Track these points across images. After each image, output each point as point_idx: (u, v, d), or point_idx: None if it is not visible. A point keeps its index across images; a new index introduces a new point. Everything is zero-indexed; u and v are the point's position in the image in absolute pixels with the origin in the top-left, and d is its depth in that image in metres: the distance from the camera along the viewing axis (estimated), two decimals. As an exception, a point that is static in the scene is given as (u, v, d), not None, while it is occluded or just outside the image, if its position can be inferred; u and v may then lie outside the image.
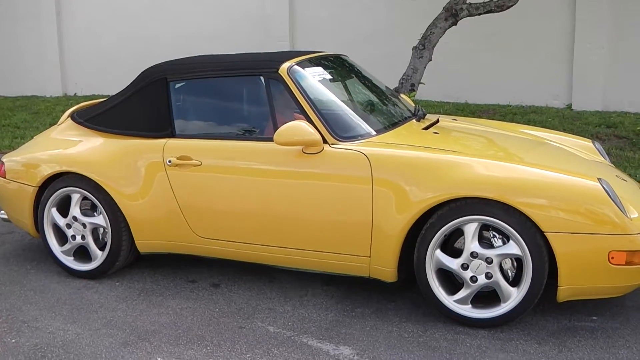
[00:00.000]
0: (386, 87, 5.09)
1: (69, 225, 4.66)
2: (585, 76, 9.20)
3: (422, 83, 7.61)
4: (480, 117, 8.46)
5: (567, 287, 3.60)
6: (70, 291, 4.48)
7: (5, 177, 4.91)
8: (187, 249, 4.49)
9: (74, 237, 4.66)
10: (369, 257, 3.94)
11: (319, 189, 3.99)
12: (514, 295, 3.68)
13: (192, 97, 4.63)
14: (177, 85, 4.55)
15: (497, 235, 3.74)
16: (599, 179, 3.64)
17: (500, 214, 3.60)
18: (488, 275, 3.69)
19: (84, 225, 4.61)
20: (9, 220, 5.12)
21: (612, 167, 4.58)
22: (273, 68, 4.25)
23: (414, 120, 4.57)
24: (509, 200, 3.56)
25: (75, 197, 4.61)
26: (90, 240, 4.62)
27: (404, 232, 3.79)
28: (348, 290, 4.33)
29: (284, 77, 4.20)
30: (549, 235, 3.54)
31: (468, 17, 7.63)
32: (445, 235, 3.77)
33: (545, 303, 3.90)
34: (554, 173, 3.71)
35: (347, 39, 10.13)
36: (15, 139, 8.74)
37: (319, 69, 4.55)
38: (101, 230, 4.64)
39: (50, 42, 12.36)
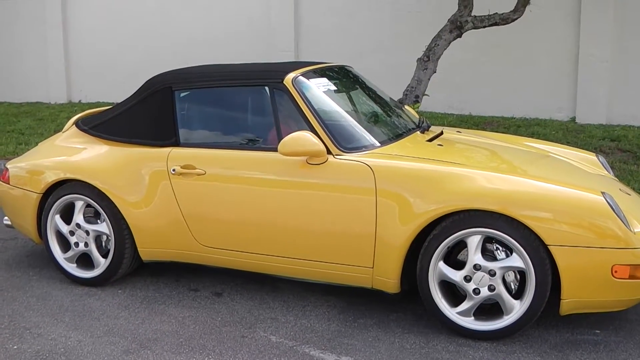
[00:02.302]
0: (390, 98, 5.10)
1: (72, 233, 4.66)
2: (589, 89, 9.20)
3: (426, 95, 7.61)
4: (484, 129, 8.46)
5: (570, 301, 3.60)
6: (72, 298, 4.48)
7: (9, 184, 4.93)
8: (190, 258, 4.49)
9: (77, 244, 4.66)
10: (372, 268, 3.94)
11: (322, 200, 3.99)
12: (516, 308, 3.67)
13: (196, 107, 4.65)
14: (182, 94, 4.57)
15: (501, 248, 3.73)
16: (603, 193, 3.64)
17: (504, 226, 3.60)
18: (491, 288, 3.69)
19: (87, 233, 4.62)
20: (12, 227, 5.13)
21: (615, 181, 4.58)
22: (278, 78, 4.27)
23: (418, 132, 4.58)
24: (513, 213, 3.57)
25: (79, 205, 4.62)
26: (93, 248, 4.63)
27: (407, 243, 3.79)
28: (350, 301, 4.33)
29: (288, 88, 4.21)
30: (552, 249, 3.54)
31: (473, 30, 7.64)
32: (448, 247, 3.77)
33: (548, 316, 3.89)
34: (558, 186, 3.71)
35: (351, 50, 10.15)
36: (19, 145, 8.75)
37: (324, 80, 4.56)
38: (104, 237, 4.65)
39: (55, 48, 12.39)
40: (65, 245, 4.75)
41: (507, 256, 3.69)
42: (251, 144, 4.35)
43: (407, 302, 4.21)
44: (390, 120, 4.76)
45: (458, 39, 7.68)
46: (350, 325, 4.02)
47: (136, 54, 11.77)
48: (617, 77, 9.11)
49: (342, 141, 4.07)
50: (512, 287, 3.76)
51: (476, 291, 3.71)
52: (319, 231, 4.03)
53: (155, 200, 4.45)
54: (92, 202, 4.55)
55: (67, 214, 4.70)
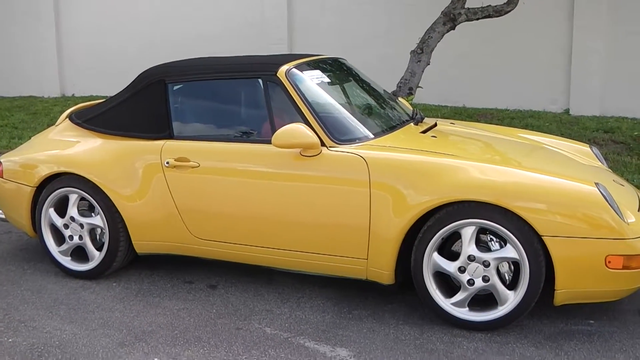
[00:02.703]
0: (384, 90, 5.09)
1: (66, 226, 4.66)
2: (583, 81, 9.22)
3: (420, 87, 7.62)
4: (478, 121, 8.47)
5: (564, 291, 3.61)
6: (67, 291, 4.48)
7: (3, 177, 4.91)
8: (184, 250, 4.49)
9: (71, 237, 4.66)
10: (367, 259, 3.94)
11: (316, 192, 3.99)
12: (511, 299, 3.68)
13: (190, 99, 4.63)
14: (176, 87, 4.56)
15: (495, 239, 3.75)
16: (596, 184, 3.65)
17: (498, 217, 3.61)
18: (485, 279, 3.70)
19: (82, 226, 4.61)
20: (6, 220, 5.13)
21: (609, 172, 4.59)
22: (271, 71, 4.26)
23: (411, 124, 4.58)
24: (507, 204, 3.57)
25: (73, 198, 4.61)
26: (87, 241, 4.62)
27: (401, 235, 3.80)
28: (345, 292, 4.34)
29: (282, 80, 4.20)
30: (546, 239, 3.54)
31: (466, 22, 7.65)
32: (442, 239, 3.78)
33: (542, 306, 3.90)
34: (552, 177, 3.71)
35: (345, 43, 10.15)
36: (13, 139, 8.73)
37: (317, 72, 4.55)
38: (99, 230, 4.65)
39: (48, 42, 12.36)
40: (59, 238, 4.75)
41: (501, 247, 3.70)
42: (245, 137, 4.34)
43: (402, 293, 4.22)
44: (383, 112, 4.75)
45: (452, 31, 7.68)
46: (345, 317, 4.03)
47: (129, 47, 11.75)
48: (611, 69, 9.14)
49: (336, 133, 4.07)
50: (506, 277, 3.77)
51: (470, 282, 3.72)
52: (313, 223, 4.03)
53: (149, 193, 4.44)
54: (86, 195, 4.54)
55: (61, 207, 4.69)
